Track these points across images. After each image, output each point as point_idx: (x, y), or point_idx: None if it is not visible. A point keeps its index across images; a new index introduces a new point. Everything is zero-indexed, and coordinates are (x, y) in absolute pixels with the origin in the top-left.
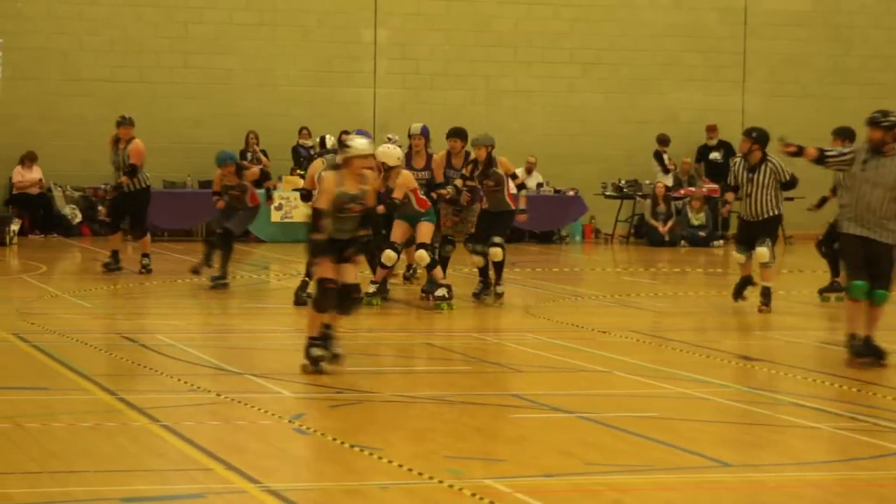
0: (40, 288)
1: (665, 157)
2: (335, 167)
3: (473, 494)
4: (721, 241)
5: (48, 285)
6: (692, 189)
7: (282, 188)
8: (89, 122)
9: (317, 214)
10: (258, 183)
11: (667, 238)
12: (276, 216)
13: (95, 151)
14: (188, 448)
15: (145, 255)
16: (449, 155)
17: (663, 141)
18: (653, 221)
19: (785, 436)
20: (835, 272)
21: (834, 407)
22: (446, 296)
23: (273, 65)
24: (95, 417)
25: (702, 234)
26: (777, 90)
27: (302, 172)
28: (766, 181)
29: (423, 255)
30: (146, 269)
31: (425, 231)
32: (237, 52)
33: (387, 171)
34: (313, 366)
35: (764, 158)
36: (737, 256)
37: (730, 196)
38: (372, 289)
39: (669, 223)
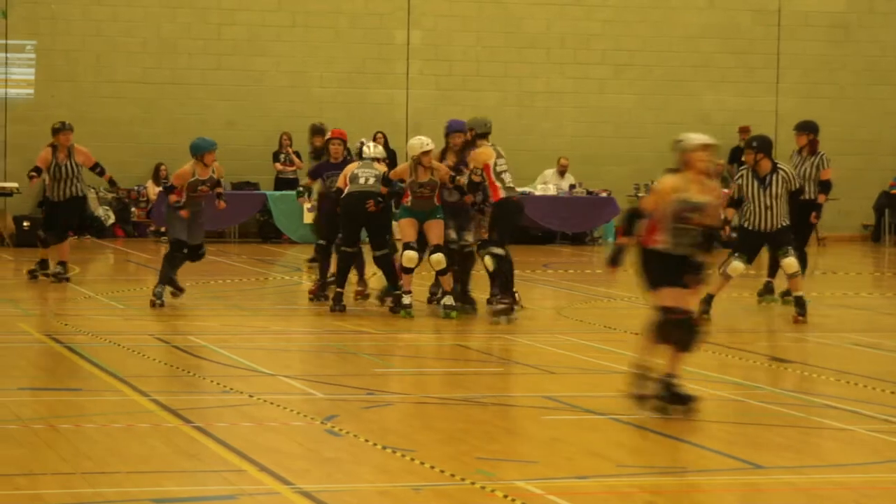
0: (74, 289)
1: None
2: (672, 171)
3: (505, 496)
4: None
5: (81, 287)
6: (725, 191)
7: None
8: (122, 123)
9: (636, 216)
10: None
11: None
12: (308, 217)
13: (128, 153)
14: (220, 449)
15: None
16: (444, 152)
17: None
18: None
19: (817, 438)
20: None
21: (867, 409)
22: (454, 304)
23: (306, 66)
24: (128, 418)
25: (734, 235)
26: (811, 91)
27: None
28: (779, 192)
29: (440, 260)
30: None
31: (438, 230)
32: (270, 54)
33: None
34: (639, 402)
35: (774, 168)
36: (736, 266)
37: (730, 213)
38: (407, 300)
39: None
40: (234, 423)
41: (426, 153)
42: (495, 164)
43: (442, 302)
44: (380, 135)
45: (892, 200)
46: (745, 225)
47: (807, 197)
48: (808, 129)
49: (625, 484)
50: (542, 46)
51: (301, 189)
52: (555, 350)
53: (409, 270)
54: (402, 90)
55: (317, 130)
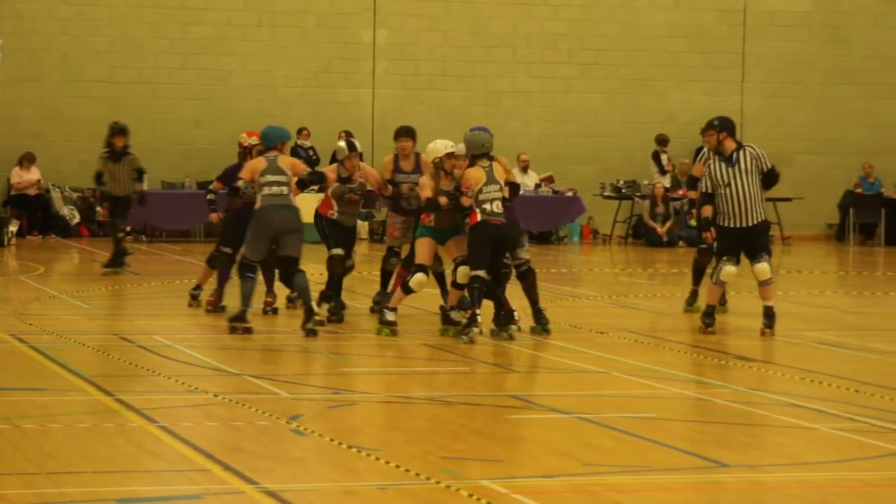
0: (38, 289)
1: (663, 157)
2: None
3: (471, 495)
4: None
5: (46, 286)
6: (692, 191)
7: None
8: (89, 122)
9: None
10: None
11: (665, 239)
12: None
13: (95, 152)
14: (185, 449)
15: None
16: (397, 157)
17: (662, 141)
18: (651, 222)
19: (783, 436)
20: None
21: (831, 407)
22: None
23: (272, 66)
24: (92, 418)
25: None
26: (776, 91)
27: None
28: (748, 168)
29: (466, 273)
30: None
31: (464, 243)
32: (236, 53)
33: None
34: None
35: (740, 146)
36: (727, 270)
37: (707, 210)
38: (392, 317)
39: (668, 224)
40: (199, 422)
41: (451, 155)
42: (479, 190)
43: (451, 315)
44: (343, 134)
45: (857, 199)
46: (723, 223)
47: None
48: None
49: (590, 482)
50: (509, 46)
51: (212, 198)
52: (520, 349)
53: (410, 292)
54: (369, 89)
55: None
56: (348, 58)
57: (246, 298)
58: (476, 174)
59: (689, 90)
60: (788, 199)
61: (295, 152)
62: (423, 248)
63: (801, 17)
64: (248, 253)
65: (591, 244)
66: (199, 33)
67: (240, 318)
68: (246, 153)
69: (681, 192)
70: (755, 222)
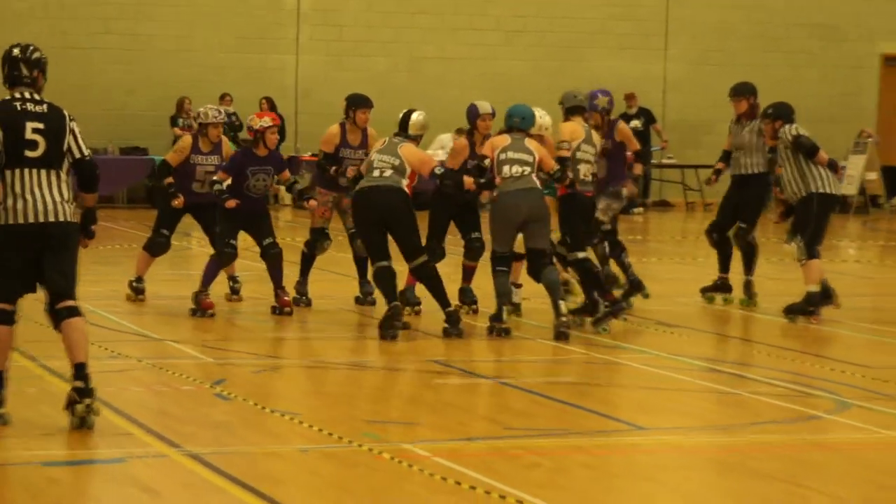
0: None
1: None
2: None
3: (393, 458)
4: (641, 209)
5: None
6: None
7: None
8: None
9: None
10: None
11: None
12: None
13: None
14: (109, 413)
15: None
16: (344, 128)
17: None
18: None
19: (700, 400)
20: (724, 267)
21: (749, 372)
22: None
23: (193, 31)
24: (17, 384)
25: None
26: (700, 58)
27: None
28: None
29: None
30: None
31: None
32: (157, 18)
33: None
34: None
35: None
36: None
37: (721, 165)
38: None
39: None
40: (123, 387)
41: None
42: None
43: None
44: (264, 101)
45: None
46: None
47: (749, 171)
48: (744, 92)
49: (511, 445)
50: (435, 13)
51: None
52: (442, 316)
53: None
54: (292, 56)
55: None
56: (272, 23)
57: (503, 296)
58: (574, 127)
59: (615, 57)
60: (710, 167)
61: None
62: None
63: None
64: (497, 245)
65: None
66: None
67: (497, 317)
68: (258, 137)
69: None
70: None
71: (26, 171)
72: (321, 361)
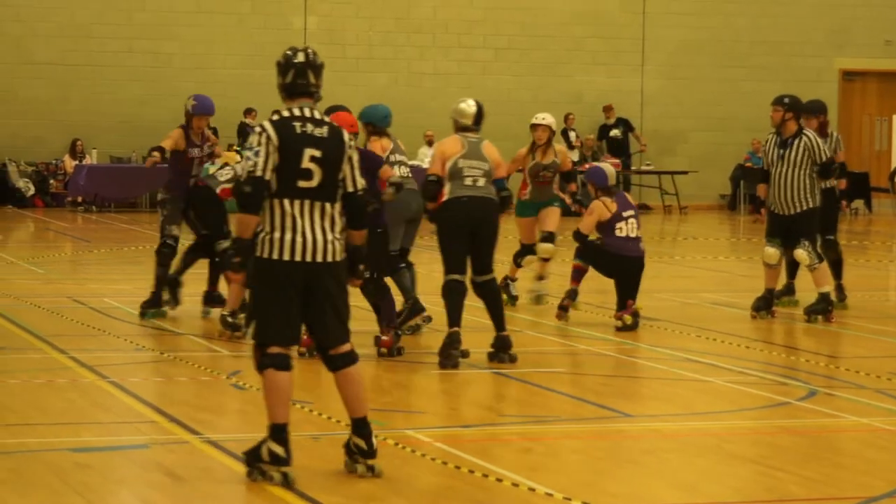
0: None
1: (572, 134)
2: None
3: (396, 444)
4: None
5: (3, 253)
6: (595, 163)
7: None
8: (41, 102)
9: None
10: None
11: (573, 209)
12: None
13: (47, 129)
14: (134, 402)
15: None
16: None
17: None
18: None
19: (681, 389)
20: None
21: (724, 362)
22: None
23: (210, 49)
24: (48, 374)
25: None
26: (673, 73)
27: (238, 149)
28: (798, 158)
29: (548, 249)
30: None
31: (555, 217)
32: (177, 38)
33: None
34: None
35: (799, 132)
36: (768, 252)
37: (762, 190)
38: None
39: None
40: (146, 378)
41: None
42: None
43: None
44: (275, 114)
45: (747, 172)
46: (771, 207)
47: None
48: (816, 110)
49: (505, 432)
50: (429, 32)
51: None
52: (440, 309)
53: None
54: None
55: None
56: (281, 42)
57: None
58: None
59: (594, 72)
60: (685, 172)
61: (244, 131)
62: (527, 228)
63: (696, 6)
64: (393, 244)
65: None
66: (142, 19)
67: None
68: None
69: (586, 166)
70: (796, 211)
71: (296, 202)
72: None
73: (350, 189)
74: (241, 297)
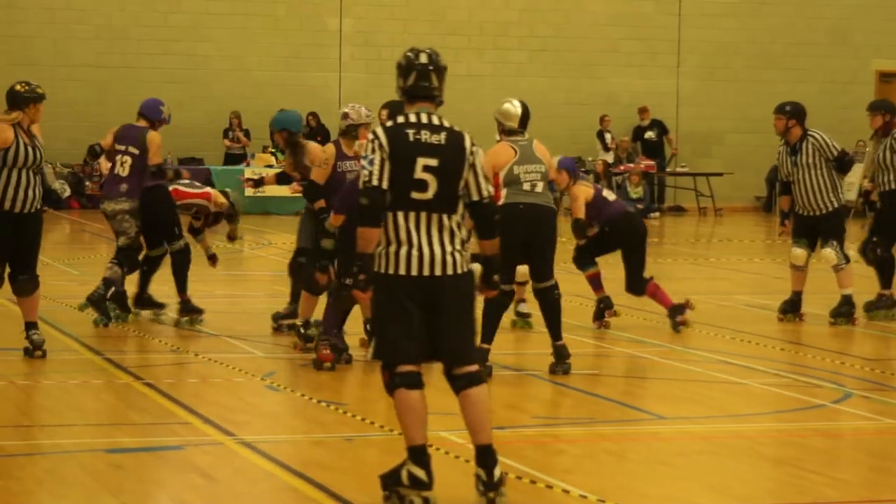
0: None
1: (607, 136)
2: None
3: (430, 445)
4: (657, 213)
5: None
6: (630, 165)
7: (254, 164)
8: (78, 103)
9: None
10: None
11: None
12: (249, 191)
13: (83, 131)
14: (169, 403)
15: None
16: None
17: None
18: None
19: (714, 391)
20: (886, 282)
21: (759, 364)
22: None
23: (246, 51)
24: (83, 375)
25: (639, 206)
26: (708, 75)
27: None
28: (811, 160)
29: (524, 272)
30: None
31: None
32: (213, 40)
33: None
34: None
35: (805, 135)
36: (795, 253)
37: (785, 202)
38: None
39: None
40: (181, 379)
41: None
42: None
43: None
44: (311, 116)
45: None
46: (797, 210)
47: (886, 188)
48: (881, 108)
49: (539, 434)
50: (464, 34)
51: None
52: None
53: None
54: (335, 73)
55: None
56: (316, 44)
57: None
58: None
59: (628, 74)
60: (720, 174)
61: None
62: None
63: (731, 7)
64: None
65: None
66: (177, 21)
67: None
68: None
69: (621, 168)
70: (822, 212)
71: (411, 214)
72: (363, 356)
73: (475, 197)
74: (314, 308)
